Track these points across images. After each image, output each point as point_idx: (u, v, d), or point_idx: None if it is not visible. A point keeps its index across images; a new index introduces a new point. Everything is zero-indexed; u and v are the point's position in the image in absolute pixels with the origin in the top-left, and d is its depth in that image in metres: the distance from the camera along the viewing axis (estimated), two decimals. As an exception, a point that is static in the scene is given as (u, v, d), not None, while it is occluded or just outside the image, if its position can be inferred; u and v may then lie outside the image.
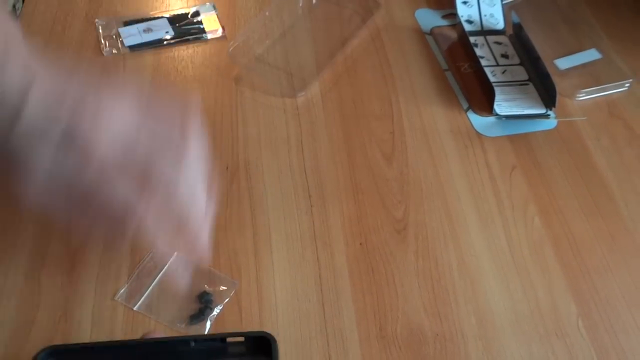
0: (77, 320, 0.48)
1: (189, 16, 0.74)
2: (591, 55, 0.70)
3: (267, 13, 0.73)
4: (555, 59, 0.70)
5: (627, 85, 0.67)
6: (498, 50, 0.70)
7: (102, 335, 0.48)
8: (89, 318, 0.48)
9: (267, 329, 0.48)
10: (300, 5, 0.76)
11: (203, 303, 0.49)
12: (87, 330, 0.48)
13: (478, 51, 0.69)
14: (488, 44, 0.70)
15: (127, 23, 0.72)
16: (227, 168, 0.59)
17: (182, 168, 0.37)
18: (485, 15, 0.73)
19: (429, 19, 0.75)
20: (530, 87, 0.66)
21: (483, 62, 0.67)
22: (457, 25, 0.73)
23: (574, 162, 0.61)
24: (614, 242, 0.55)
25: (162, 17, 0.73)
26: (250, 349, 0.36)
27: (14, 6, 0.92)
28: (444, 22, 0.75)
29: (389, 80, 0.68)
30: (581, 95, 0.66)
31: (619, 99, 0.67)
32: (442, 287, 0.51)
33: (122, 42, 0.70)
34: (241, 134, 0.62)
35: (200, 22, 0.73)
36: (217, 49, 0.70)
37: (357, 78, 0.68)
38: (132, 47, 0.70)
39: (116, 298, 0.49)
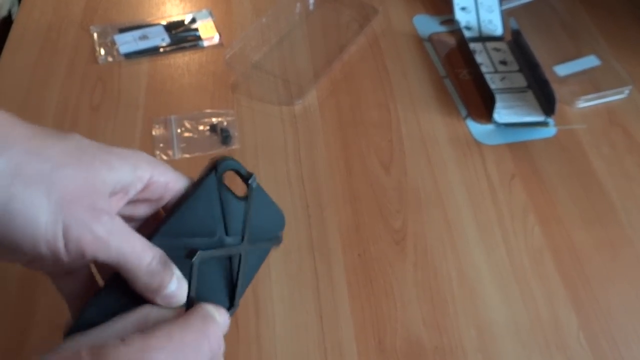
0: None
1: (185, 23, 0.73)
2: (590, 61, 0.70)
3: (263, 20, 0.72)
4: (554, 65, 0.69)
5: (626, 91, 0.67)
6: (497, 56, 0.69)
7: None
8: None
9: (265, 341, 0.48)
10: (297, 11, 0.75)
11: None
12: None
13: (477, 58, 0.68)
14: (487, 50, 0.70)
15: (123, 30, 0.72)
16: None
17: None
18: (483, 22, 0.72)
19: (427, 25, 0.74)
20: (530, 94, 0.66)
21: (482, 69, 0.67)
22: (455, 31, 0.73)
23: (573, 171, 0.60)
24: (614, 252, 0.54)
25: (158, 24, 0.72)
26: None
27: (9, 11, 0.92)
28: (442, 29, 0.74)
29: (386, 87, 0.67)
30: (580, 102, 0.66)
31: (618, 106, 0.66)
32: (441, 299, 0.51)
33: (117, 49, 0.69)
34: (238, 143, 0.61)
35: (197, 29, 0.72)
36: (214, 56, 0.70)
37: (354, 85, 0.68)
38: (128, 55, 0.69)
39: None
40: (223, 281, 0.35)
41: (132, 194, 0.32)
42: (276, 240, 0.37)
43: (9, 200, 0.26)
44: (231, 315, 0.34)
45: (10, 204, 0.26)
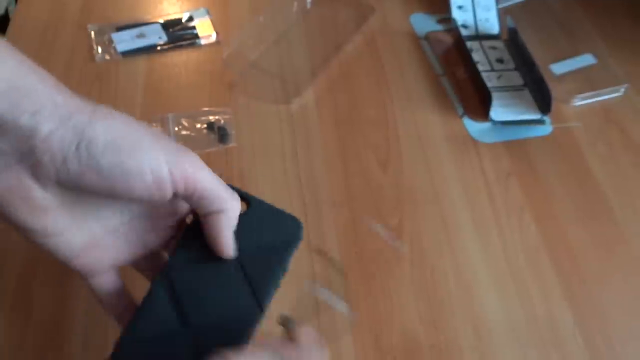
0: (67, 333, 0.48)
1: (183, 21, 0.73)
2: (586, 60, 0.70)
3: (261, 18, 0.72)
4: (551, 63, 0.70)
5: (622, 90, 0.67)
6: (493, 55, 0.69)
7: (94, 346, 0.47)
8: (80, 331, 0.48)
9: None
10: (294, 10, 0.75)
11: None
12: (79, 342, 0.47)
13: (474, 56, 0.68)
14: (483, 49, 0.70)
15: (120, 28, 0.72)
16: (220, 176, 0.58)
17: None
18: (480, 20, 0.72)
19: (424, 23, 0.75)
20: (526, 92, 0.66)
21: (479, 67, 0.67)
22: (452, 30, 0.73)
23: (569, 169, 0.61)
24: (610, 249, 0.55)
25: (155, 22, 0.72)
26: None
27: (6, 9, 0.91)
28: (439, 27, 0.74)
29: (383, 86, 0.67)
30: (576, 100, 0.66)
31: (614, 104, 0.67)
32: (437, 297, 0.51)
33: (114, 47, 0.69)
34: (235, 142, 0.61)
35: (194, 28, 0.72)
36: (211, 55, 0.70)
37: (351, 84, 0.68)
38: (125, 53, 0.69)
39: None
40: (240, 293, 0.36)
41: None
42: (293, 240, 0.38)
43: (126, 135, 0.31)
44: (259, 320, 0.36)
45: (127, 138, 0.31)
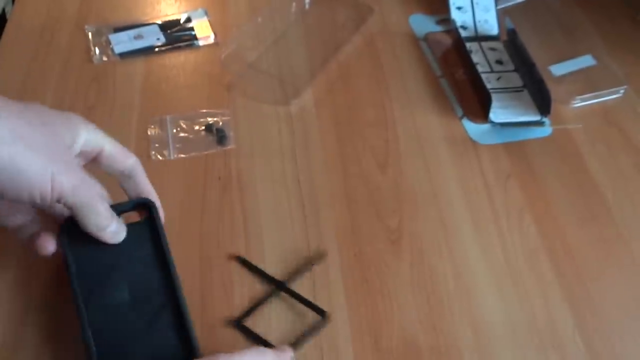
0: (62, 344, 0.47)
1: (181, 22, 0.73)
2: (586, 61, 0.70)
3: (259, 19, 0.72)
4: (550, 65, 0.69)
5: (621, 91, 0.67)
6: (492, 56, 0.69)
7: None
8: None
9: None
10: (293, 11, 0.75)
11: None
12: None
13: (473, 57, 0.68)
14: (482, 50, 0.70)
15: (118, 29, 0.71)
16: (219, 178, 0.58)
17: None
18: (479, 21, 0.72)
19: (423, 24, 0.74)
20: (525, 93, 0.66)
21: (478, 69, 0.67)
22: (451, 31, 0.73)
23: (569, 170, 0.60)
24: (609, 251, 0.55)
25: (153, 23, 0.72)
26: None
27: (3, 10, 0.91)
28: (438, 28, 0.74)
29: (382, 87, 0.67)
30: (576, 101, 0.66)
31: (613, 105, 0.67)
32: (437, 299, 0.51)
33: (112, 49, 0.69)
34: (234, 143, 0.61)
35: (192, 29, 0.72)
36: (209, 56, 0.70)
37: (350, 85, 0.67)
38: (123, 54, 0.69)
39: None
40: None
41: (88, 159, 0.43)
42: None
43: (13, 158, 0.35)
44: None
45: (14, 161, 0.35)
